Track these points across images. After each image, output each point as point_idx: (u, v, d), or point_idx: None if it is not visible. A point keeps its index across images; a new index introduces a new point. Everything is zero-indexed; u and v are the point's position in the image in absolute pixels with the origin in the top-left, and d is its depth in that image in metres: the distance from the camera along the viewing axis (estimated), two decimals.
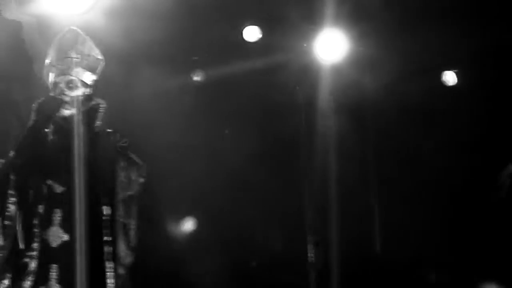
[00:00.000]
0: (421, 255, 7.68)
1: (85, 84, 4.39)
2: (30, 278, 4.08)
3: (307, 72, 7.72)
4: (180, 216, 7.75)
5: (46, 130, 4.24)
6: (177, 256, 7.55)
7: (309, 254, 7.50)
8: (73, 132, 4.21)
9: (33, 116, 4.24)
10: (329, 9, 7.06)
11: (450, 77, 7.84)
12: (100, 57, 4.52)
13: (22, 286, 4.08)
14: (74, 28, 4.52)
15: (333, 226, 7.49)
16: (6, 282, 4.11)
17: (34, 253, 4.10)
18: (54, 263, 4.11)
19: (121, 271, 4.18)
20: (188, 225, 7.65)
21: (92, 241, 4.07)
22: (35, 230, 4.13)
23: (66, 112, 4.29)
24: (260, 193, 7.91)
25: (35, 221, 4.13)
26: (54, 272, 4.10)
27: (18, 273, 4.10)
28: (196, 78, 7.86)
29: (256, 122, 7.91)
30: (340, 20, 7.23)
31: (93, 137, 4.22)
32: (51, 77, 4.37)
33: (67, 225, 4.12)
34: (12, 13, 5.99)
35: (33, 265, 4.09)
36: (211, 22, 7.26)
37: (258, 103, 7.95)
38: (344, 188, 7.66)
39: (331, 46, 7.48)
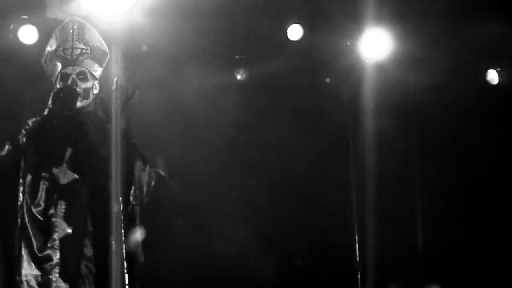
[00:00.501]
0: (464, 253, 7.61)
1: (93, 77, 4.28)
2: (56, 270, 3.95)
3: (351, 71, 7.67)
4: (223, 214, 7.74)
5: (56, 121, 4.14)
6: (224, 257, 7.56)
7: (355, 253, 7.49)
8: (85, 124, 4.15)
9: (49, 105, 4.14)
10: (373, 7, 7.01)
11: (494, 76, 7.74)
12: (106, 49, 4.37)
13: (50, 279, 3.94)
14: (79, 18, 4.42)
15: (376, 225, 7.43)
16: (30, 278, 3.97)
17: (56, 243, 3.98)
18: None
19: (136, 273, 4.04)
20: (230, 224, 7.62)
21: (103, 239, 3.96)
22: (54, 220, 4.00)
23: (78, 103, 4.17)
24: (305, 192, 7.88)
25: (52, 211, 4.01)
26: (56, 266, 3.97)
27: (40, 266, 3.96)
28: (240, 76, 7.85)
29: (300, 120, 7.87)
30: (384, 18, 7.18)
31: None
32: (58, 66, 4.25)
33: (71, 218, 3.99)
34: (55, 13, 6.04)
35: (57, 256, 3.97)
36: (255, 20, 7.25)
37: (302, 101, 7.92)
38: (387, 187, 7.60)
39: (375, 44, 7.43)
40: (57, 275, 3.93)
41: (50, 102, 4.11)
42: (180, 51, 7.14)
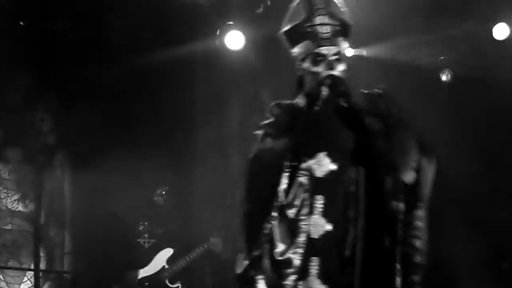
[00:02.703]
0: None
1: (345, 57, 3.61)
2: (294, 275, 3.49)
3: None
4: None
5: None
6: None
7: None
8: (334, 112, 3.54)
9: (323, 92, 3.50)
10: None
11: None
12: (351, 21, 3.63)
13: (284, 285, 3.48)
14: None
15: None
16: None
17: (300, 248, 3.50)
18: (315, 256, 3.50)
19: (414, 277, 3.43)
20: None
21: (375, 237, 3.45)
22: (301, 221, 3.51)
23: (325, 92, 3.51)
24: None
25: (303, 211, 3.49)
26: (314, 266, 3.50)
27: (278, 272, 3.52)
28: (445, 78, 7.78)
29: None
30: None
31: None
32: (309, 44, 3.57)
33: (330, 213, 3.50)
34: None
35: (297, 261, 3.49)
36: (460, 19, 7.17)
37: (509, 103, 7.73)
38: None
39: None
40: (293, 278, 3.49)
41: (325, 89, 3.50)
42: (384, 53, 7.19)
